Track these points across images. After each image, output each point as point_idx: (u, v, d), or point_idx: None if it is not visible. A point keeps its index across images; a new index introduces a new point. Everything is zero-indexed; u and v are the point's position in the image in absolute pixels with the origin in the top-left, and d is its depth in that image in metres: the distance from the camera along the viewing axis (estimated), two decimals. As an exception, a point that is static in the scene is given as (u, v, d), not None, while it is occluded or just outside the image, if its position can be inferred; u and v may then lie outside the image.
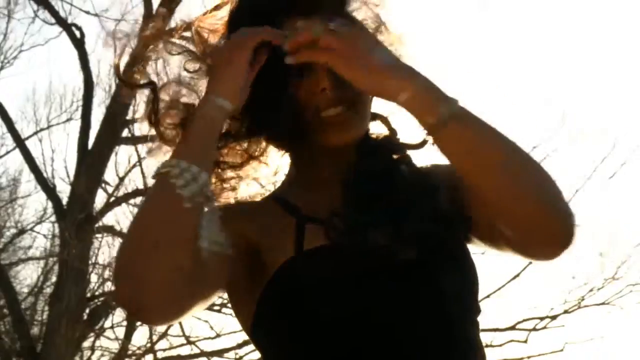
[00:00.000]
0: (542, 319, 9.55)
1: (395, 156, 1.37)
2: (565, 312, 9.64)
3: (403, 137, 1.40)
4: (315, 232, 1.26)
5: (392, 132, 1.41)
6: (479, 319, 1.31)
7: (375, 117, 1.41)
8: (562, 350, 9.44)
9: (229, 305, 1.40)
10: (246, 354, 9.05)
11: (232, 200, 1.39)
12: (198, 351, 9.52)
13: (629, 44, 15.85)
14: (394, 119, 1.42)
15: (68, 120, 11.12)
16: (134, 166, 9.79)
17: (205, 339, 9.53)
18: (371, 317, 1.22)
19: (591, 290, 9.69)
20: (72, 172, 9.61)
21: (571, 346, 9.48)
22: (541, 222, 1.21)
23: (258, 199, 1.40)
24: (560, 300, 9.64)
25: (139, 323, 9.99)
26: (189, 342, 9.54)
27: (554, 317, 9.58)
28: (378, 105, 1.39)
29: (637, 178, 14.28)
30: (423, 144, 1.37)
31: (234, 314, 1.36)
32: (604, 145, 9.86)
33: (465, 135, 1.20)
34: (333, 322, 1.22)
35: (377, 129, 1.42)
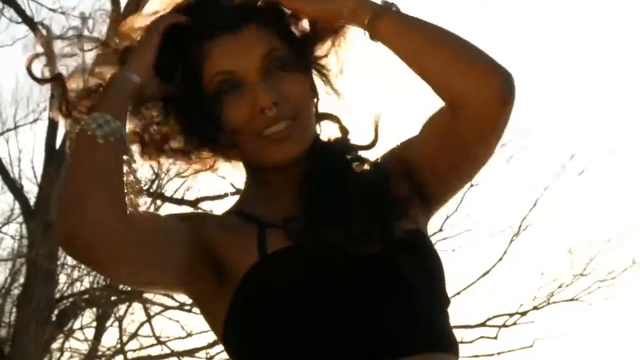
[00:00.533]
0: (511, 315, 9.62)
1: (347, 156, 1.39)
2: (535, 308, 9.72)
3: (354, 137, 1.42)
4: (276, 236, 1.29)
5: (343, 130, 1.43)
6: (449, 310, 1.32)
7: (325, 117, 1.42)
8: (531, 346, 9.52)
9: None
10: (217, 353, 9.05)
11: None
12: (169, 351, 9.49)
13: (628, 40, 15.98)
14: (345, 119, 1.44)
15: (35, 120, 11.00)
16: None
17: (175, 338, 9.50)
18: (336, 312, 1.24)
19: (560, 287, 9.78)
20: (39, 173, 9.53)
21: (540, 342, 9.57)
22: (483, 79, 1.28)
23: (219, 214, 1.42)
24: (529, 296, 9.72)
25: (108, 324, 9.94)
26: (160, 342, 9.50)
27: (523, 314, 9.66)
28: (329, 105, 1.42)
29: (606, 175, 14.42)
30: (374, 143, 1.41)
31: (205, 322, 1.37)
32: (574, 142, 9.95)
33: (402, 23, 1.31)
34: (299, 321, 1.24)
35: (328, 131, 1.43)
